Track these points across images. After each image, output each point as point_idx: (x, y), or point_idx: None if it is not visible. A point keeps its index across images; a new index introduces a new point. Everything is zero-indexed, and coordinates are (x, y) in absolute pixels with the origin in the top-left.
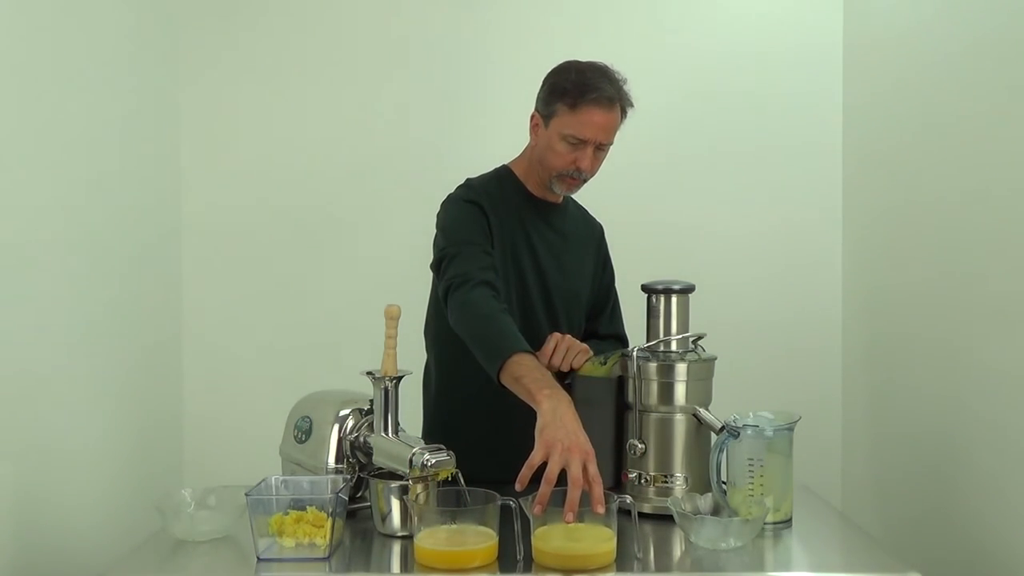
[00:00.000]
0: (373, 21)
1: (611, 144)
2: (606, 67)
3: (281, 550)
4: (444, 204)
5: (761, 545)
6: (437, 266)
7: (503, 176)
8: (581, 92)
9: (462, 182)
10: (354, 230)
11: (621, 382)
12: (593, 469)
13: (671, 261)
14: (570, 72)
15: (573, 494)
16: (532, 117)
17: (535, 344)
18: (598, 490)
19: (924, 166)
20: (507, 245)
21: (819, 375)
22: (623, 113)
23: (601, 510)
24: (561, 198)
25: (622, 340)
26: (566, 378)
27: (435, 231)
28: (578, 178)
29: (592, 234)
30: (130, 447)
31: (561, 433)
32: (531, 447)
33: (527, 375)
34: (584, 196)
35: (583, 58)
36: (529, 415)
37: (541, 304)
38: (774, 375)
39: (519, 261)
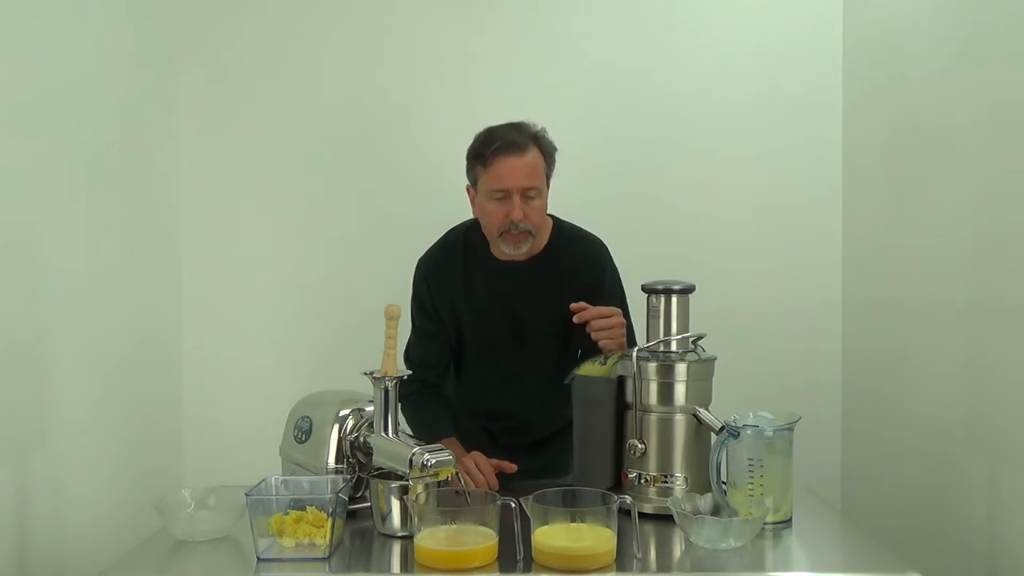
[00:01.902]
0: (372, 22)
1: (539, 189)
2: (519, 122)
3: (281, 550)
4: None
5: (761, 545)
6: None
7: (468, 243)
8: (487, 146)
9: (435, 242)
10: (353, 229)
11: (621, 382)
12: (484, 463)
13: (671, 261)
14: (480, 135)
15: (475, 474)
16: (468, 191)
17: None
18: (496, 464)
19: (924, 166)
20: (473, 303)
21: (819, 375)
22: (545, 157)
23: (513, 468)
24: (537, 251)
25: None
26: (598, 353)
27: None
28: (517, 231)
29: (579, 276)
30: (130, 447)
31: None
32: (520, 447)
33: None
34: (585, 200)
35: (586, 57)
36: (521, 416)
37: (509, 344)
38: (774, 375)
39: (482, 315)
